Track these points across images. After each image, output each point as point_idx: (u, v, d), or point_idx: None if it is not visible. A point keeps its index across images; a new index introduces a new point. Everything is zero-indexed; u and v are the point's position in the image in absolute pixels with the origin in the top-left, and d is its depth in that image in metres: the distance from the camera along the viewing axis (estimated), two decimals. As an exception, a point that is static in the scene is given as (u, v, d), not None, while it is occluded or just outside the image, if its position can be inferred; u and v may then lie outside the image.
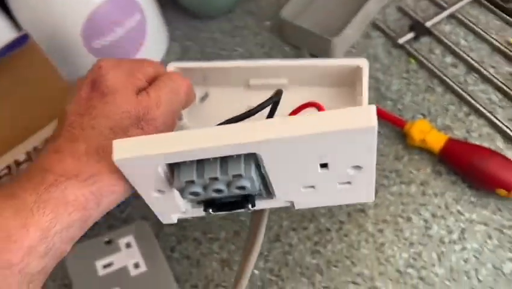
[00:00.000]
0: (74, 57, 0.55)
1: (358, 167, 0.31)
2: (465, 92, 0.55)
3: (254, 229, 0.37)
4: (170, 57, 0.62)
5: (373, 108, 0.28)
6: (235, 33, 0.63)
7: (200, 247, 0.49)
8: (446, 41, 0.58)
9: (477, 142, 0.51)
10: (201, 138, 0.29)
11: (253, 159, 0.30)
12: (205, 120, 0.39)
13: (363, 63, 0.38)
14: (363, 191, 0.33)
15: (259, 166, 0.31)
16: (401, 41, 0.59)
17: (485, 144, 0.51)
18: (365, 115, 0.27)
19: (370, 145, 0.29)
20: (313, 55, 0.59)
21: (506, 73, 0.56)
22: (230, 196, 0.32)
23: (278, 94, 0.37)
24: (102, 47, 0.54)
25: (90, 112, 0.34)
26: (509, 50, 0.56)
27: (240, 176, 0.30)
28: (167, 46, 0.63)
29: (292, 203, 0.34)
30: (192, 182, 0.31)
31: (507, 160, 0.48)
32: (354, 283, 0.45)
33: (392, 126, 0.53)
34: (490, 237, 0.47)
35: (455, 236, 0.47)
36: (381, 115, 0.52)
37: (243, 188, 0.31)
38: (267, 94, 0.36)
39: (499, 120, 0.52)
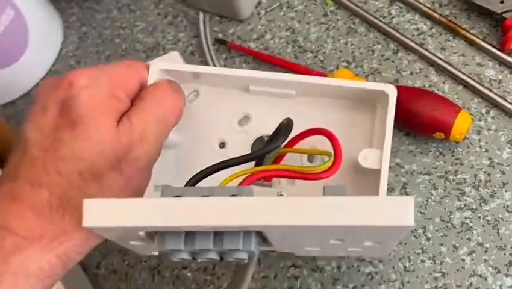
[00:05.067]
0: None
1: (377, 242, 0.28)
2: (390, 26, 0.49)
3: (237, 281, 0.32)
4: (68, 48, 0.55)
5: (411, 201, 0.23)
6: (133, 6, 0.56)
7: (127, 258, 0.44)
8: (363, -29, 0.52)
9: (409, 82, 0.46)
10: (192, 213, 0.24)
11: (254, 231, 0.26)
12: (195, 128, 0.33)
13: (390, 90, 0.32)
14: (377, 253, 0.31)
15: (260, 233, 0.26)
16: (314, -19, 0.52)
17: (419, 82, 0.46)
18: (402, 210, 0.23)
19: (399, 237, 0.26)
20: (222, 16, 0.53)
21: (433, -4, 0.49)
22: None
23: (286, 127, 0.31)
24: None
25: (56, 147, 0.28)
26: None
27: (237, 249, 0.26)
28: (62, 38, 0.56)
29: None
30: (179, 250, 0.26)
31: (440, 99, 0.42)
32: None
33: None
34: (434, 187, 0.42)
35: (396, 193, 0.42)
36: (299, 71, 0.46)
37: (239, 258, 0.27)
38: (270, 102, 0.31)
39: (430, 52, 0.47)
